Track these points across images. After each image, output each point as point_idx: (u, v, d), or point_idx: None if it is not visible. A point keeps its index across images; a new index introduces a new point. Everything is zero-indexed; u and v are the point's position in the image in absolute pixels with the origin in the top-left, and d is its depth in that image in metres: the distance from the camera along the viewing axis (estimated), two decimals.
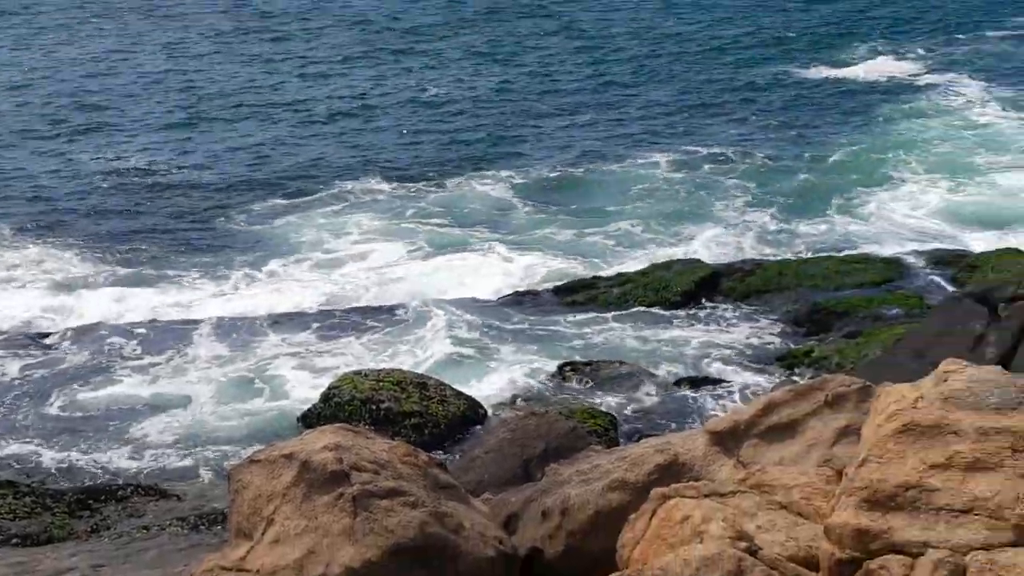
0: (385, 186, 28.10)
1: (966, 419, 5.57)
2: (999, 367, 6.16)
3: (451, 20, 48.57)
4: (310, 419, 16.18)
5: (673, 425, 16.47)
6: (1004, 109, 32.38)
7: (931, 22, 44.34)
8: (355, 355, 19.41)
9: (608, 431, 15.71)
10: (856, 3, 49.00)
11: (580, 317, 20.77)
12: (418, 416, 16.10)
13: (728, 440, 8.39)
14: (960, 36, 41.83)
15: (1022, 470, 5.28)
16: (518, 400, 17.36)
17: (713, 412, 16.63)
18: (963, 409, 5.67)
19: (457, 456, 14.70)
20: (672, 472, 8.39)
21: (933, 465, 5.42)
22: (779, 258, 22.96)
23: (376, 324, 20.66)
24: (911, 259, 22.26)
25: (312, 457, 7.61)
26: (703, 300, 21.26)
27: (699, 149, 30.18)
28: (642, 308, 20.91)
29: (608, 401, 17.47)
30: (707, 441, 8.45)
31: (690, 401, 17.61)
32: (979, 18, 44.64)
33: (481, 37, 45.13)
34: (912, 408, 5.78)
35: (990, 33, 42.02)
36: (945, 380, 5.94)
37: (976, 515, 5.25)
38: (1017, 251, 21.44)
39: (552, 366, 18.58)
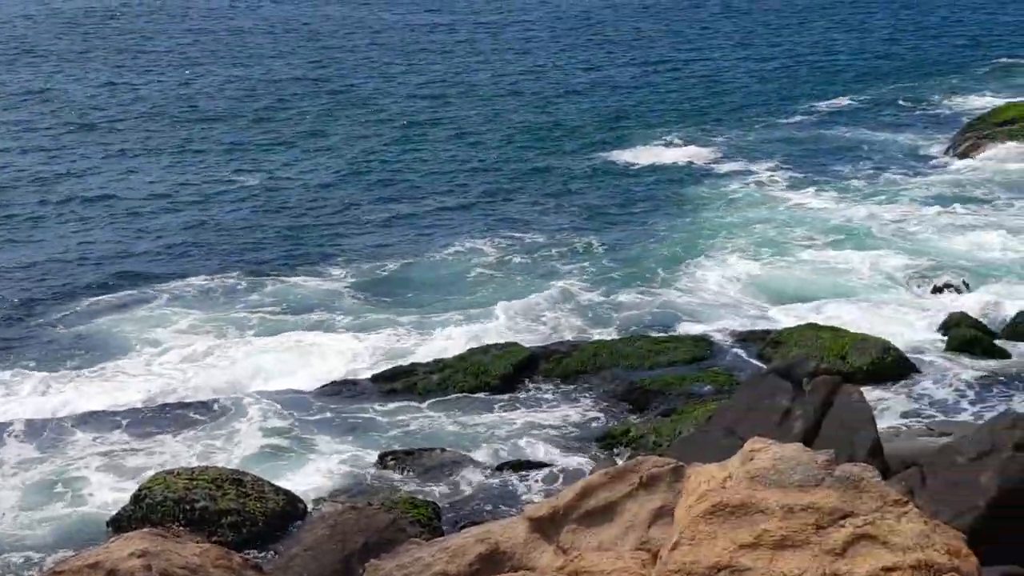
0: (209, 280, 27.54)
1: (772, 497, 5.71)
2: (801, 444, 6.36)
3: (267, 105, 48.23)
4: (120, 522, 15.57)
5: (498, 510, 16.44)
6: (799, 190, 33.83)
7: (725, 111, 46.12)
8: (171, 453, 18.84)
9: (432, 520, 15.59)
10: (651, 92, 50.62)
11: (399, 405, 20.64)
12: (235, 514, 15.66)
13: (548, 526, 8.41)
14: (754, 123, 43.59)
15: (827, 546, 5.42)
16: (338, 494, 17.07)
17: (536, 496, 16.67)
18: (769, 488, 5.82)
19: (276, 554, 14.32)
20: (494, 561, 8.36)
21: (743, 545, 5.53)
22: (594, 339, 23.27)
23: (193, 419, 20.13)
24: (719, 337, 22.89)
25: (119, 566, 7.31)
26: (522, 383, 21.42)
27: (522, 236, 30.53)
28: (461, 394, 20.91)
29: (431, 490, 17.34)
30: (527, 528, 8.46)
31: (513, 486, 17.62)
32: (770, 107, 46.68)
33: (295, 125, 44.94)
34: (721, 488, 5.90)
35: (781, 120, 43.98)
36: (751, 459, 6.09)
37: None
38: (817, 326, 22.30)
39: (373, 456, 18.38)
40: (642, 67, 56.85)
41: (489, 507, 16.71)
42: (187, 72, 56.24)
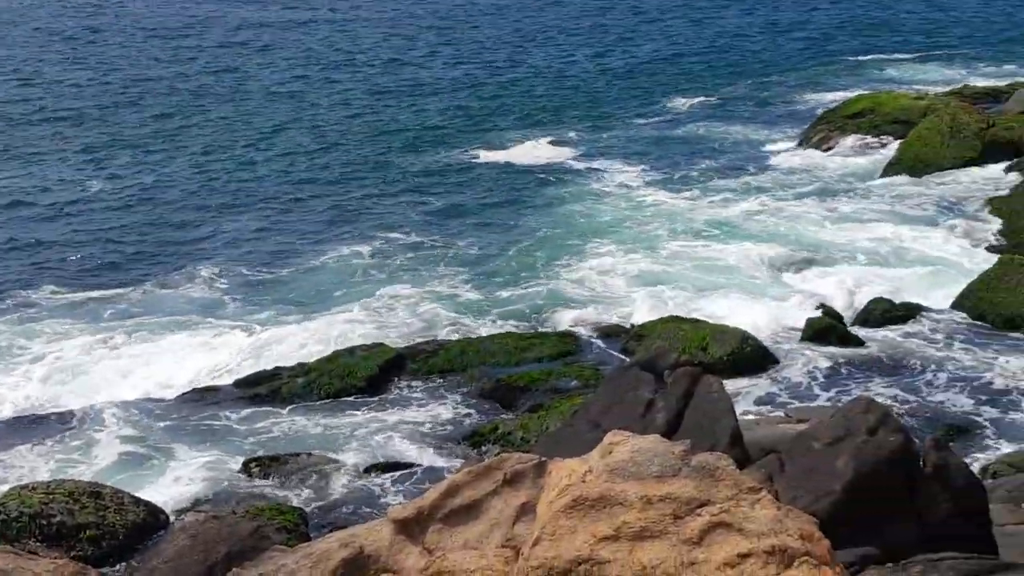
0: (69, 288, 26.77)
1: (631, 489, 5.76)
2: (659, 436, 6.43)
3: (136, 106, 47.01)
4: None
5: (366, 513, 16.31)
6: (660, 187, 34.21)
7: (583, 111, 46.35)
8: (28, 466, 18.25)
9: (298, 526, 15.38)
10: (510, 91, 50.73)
11: (263, 410, 20.33)
12: (94, 528, 15.21)
13: (413, 527, 8.35)
14: (613, 123, 43.94)
15: (685, 535, 5.49)
16: (201, 503, 16.73)
17: (404, 497, 16.59)
18: (628, 480, 5.87)
19: (137, 568, 13.97)
20: (359, 565, 8.28)
21: (603, 537, 5.56)
22: (460, 337, 23.27)
23: (50, 431, 19.52)
24: (584, 332, 23.11)
25: None
26: (389, 384, 21.30)
27: (388, 236, 30.32)
28: (327, 397, 20.70)
29: (297, 495, 17.13)
30: (392, 530, 8.39)
31: (381, 488, 17.52)
32: (627, 106, 47.11)
33: (153, 127, 43.91)
34: (581, 482, 5.93)
35: (638, 120, 44.47)
36: (610, 452, 6.14)
37: None
38: (678, 319, 22.67)
39: (237, 463, 18.07)
40: (501, 67, 56.95)
41: (357, 510, 16.58)
42: (31, 70, 54.51)
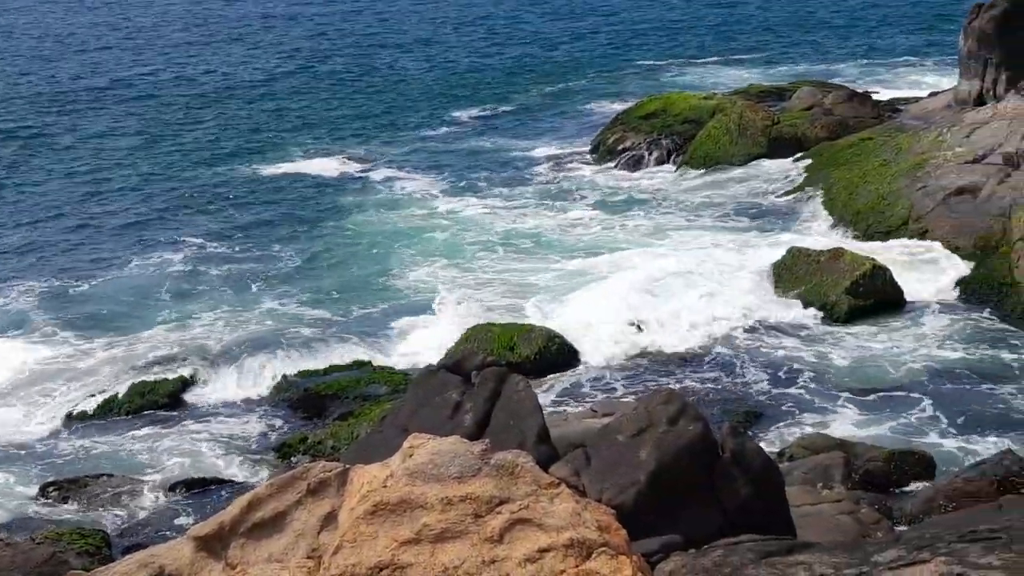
0: None
1: (431, 491, 5.77)
2: (459, 437, 6.45)
3: None
4: None
5: (173, 532, 15.88)
6: (456, 198, 34.05)
7: (376, 120, 46.30)
8: None
9: (101, 549, 14.89)
10: (294, 103, 50.30)
11: (60, 430, 19.59)
12: None
13: (215, 543, 8.14)
14: (403, 134, 43.71)
15: (486, 534, 5.53)
16: None
17: (211, 514, 16.19)
18: (428, 482, 5.87)
19: None
20: None
21: (404, 541, 5.55)
22: (272, 348, 22.84)
23: None
24: (394, 335, 23.06)
25: None
26: (193, 399, 20.83)
27: (199, 250, 29.67)
28: (129, 414, 20.09)
29: (99, 518, 16.57)
30: (193, 547, 8.16)
31: (188, 505, 17.10)
32: (418, 117, 47.07)
33: None
34: (382, 487, 5.91)
35: (430, 131, 44.49)
36: (411, 455, 6.13)
37: None
38: (490, 325, 22.79)
39: (33, 489, 17.35)
40: (291, 78, 56.44)
41: (162, 530, 16.13)
42: None
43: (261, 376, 21.44)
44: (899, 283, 23.42)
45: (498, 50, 64.81)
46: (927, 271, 24.51)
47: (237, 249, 29.68)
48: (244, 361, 21.98)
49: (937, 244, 25.25)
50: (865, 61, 55.59)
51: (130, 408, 20.22)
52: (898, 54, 57.78)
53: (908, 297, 23.43)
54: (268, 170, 38.43)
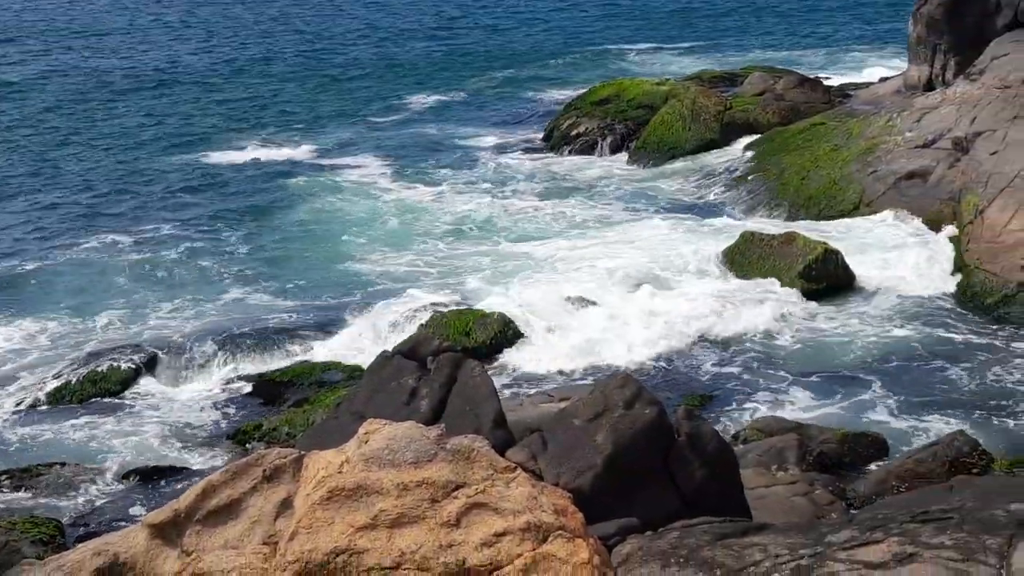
0: None
1: (387, 477, 5.76)
2: (414, 422, 6.45)
3: None
4: None
5: (128, 520, 15.78)
6: (409, 185, 33.88)
7: (323, 110, 46.09)
8: None
9: (55, 538, 14.75)
10: (245, 89, 49.99)
11: (12, 418, 19.37)
12: None
13: (170, 531, 8.12)
14: (352, 122, 43.49)
15: (442, 519, 5.53)
16: None
17: (166, 501, 16.09)
18: (384, 468, 5.86)
19: None
20: (114, 573, 7.99)
21: (361, 527, 5.54)
22: (225, 335, 22.67)
23: None
24: (352, 321, 22.99)
25: None
26: (146, 385, 20.66)
27: (152, 237, 29.46)
28: (81, 402, 19.89)
29: (53, 506, 16.41)
30: (148, 535, 8.13)
31: (143, 493, 16.98)
32: (367, 105, 46.84)
33: None
34: (338, 473, 5.89)
35: (379, 119, 44.23)
36: (366, 441, 6.12)
37: (405, 569, 5.44)
38: (445, 311, 22.80)
39: None
40: (243, 64, 56.03)
41: (117, 518, 16.00)
42: None
43: (215, 363, 21.29)
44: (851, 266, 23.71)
45: (449, 36, 64.65)
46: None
47: (187, 236, 29.41)
48: (197, 348, 21.80)
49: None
50: (815, 47, 56.05)
51: (83, 396, 20.02)
52: (849, 40, 58.27)
53: (859, 281, 23.68)
54: (216, 157, 38.16)
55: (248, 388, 20.48)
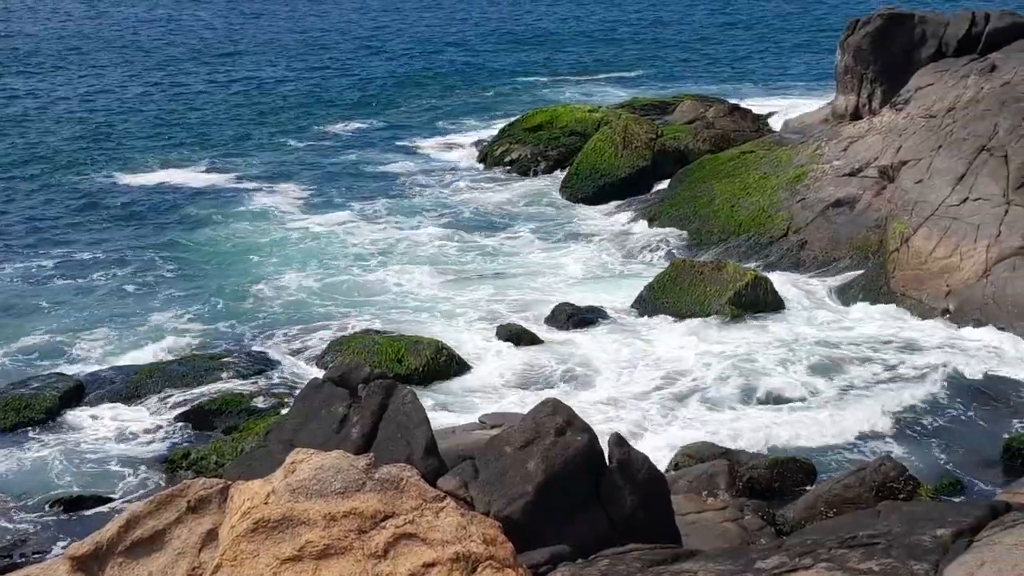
0: None
1: (314, 508, 5.68)
2: (343, 451, 6.37)
3: None
4: None
5: (52, 552, 15.46)
6: (324, 212, 33.84)
7: (243, 131, 45.89)
8: None
9: None
10: (158, 113, 49.65)
11: None
12: None
13: (91, 563, 7.93)
14: (269, 146, 43.42)
15: (370, 550, 5.46)
16: None
17: (90, 532, 15.77)
18: (311, 498, 5.78)
19: None
20: None
21: (286, 559, 5.45)
22: (151, 362, 22.37)
23: None
24: (278, 349, 22.78)
25: None
26: (72, 414, 20.26)
27: (59, 259, 29.08)
28: (3, 431, 19.47)
29: None
30: (69, 568, 7.94)
31: (66, 524, 16.64)
32: (287, 129, 46.74)
33: None
34: (264, 504, 5.80)
35: (295, 143, 44.24)
36: (293, 471, 6.03)
37: None
38: (374, 332, 22.72)
39: None
40: (151, 88, 55.62)
41: (40, 550, 15.68)
42: None
43: (141, 391, 20.94)
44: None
45: (374, 63, 64.63)
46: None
47: (108, 260, 29.16)
48: (122, 376, 21.47)
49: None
50: (745, 77, 56.82)
51: (5, 425, 19.60)
52: (778, 70, 59.13)
53: (788, 306, 23.96)
54: (130, 179, 37.97)
55: (176, 416, 20.16)
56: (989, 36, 29.73)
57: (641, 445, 16.56)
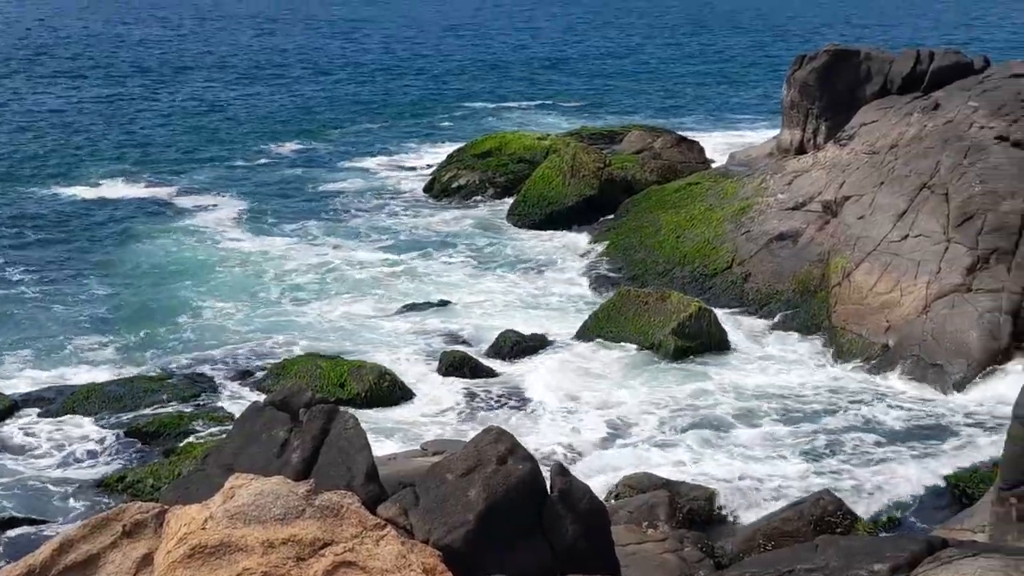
0: None
1: (252, 534, 5.60)
2: (283, 477, 6.29)
3: None
4: None
5: None
6: (259, 233, 33.80)
7: (185, 149, 45.69)
8: None
9: None
10: (99, 127, 49.28)
11: None
12: None
13: None
14: (217, 165, 43.03)
15: None
16: None
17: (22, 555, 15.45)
18: (250, 524, 5.69)
19: None
20: None
21: None
22: (88, 382, 22.05)
23: None
24: (218, 372, 22.53)
25: None
26: (5, 434, 19.92)
27: (15, 268, 29.10)
28: None
29: None
30: None
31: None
32: (236, 149, 46.47)
33: None
34: (201, 529, 5.71)
35: (244, 162, 43.91)
36: (232, 496, 5.94)
37: None
38: (317, 355, 22.56)
39: None
40: (93, 102, 55.20)
41: None
42: None
43: (78, 412, 20.63)
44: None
45: (322, 86, 64.62)
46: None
47: (42, 278, 28.85)
48: (57, 396, 21.16)
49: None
50: (693, 109, 57.35)
51: None
52: (725, 103, 59.74)
53: (731, 342, 24.10)
54: (70, 192, 37.81)
55: (112, 438, 19.87)
56: (933, 74, 30.21)
57: (582, 474, 16.56)
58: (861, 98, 30.89)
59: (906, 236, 24.79)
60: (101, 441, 19.78)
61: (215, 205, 36.82)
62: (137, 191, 38.29)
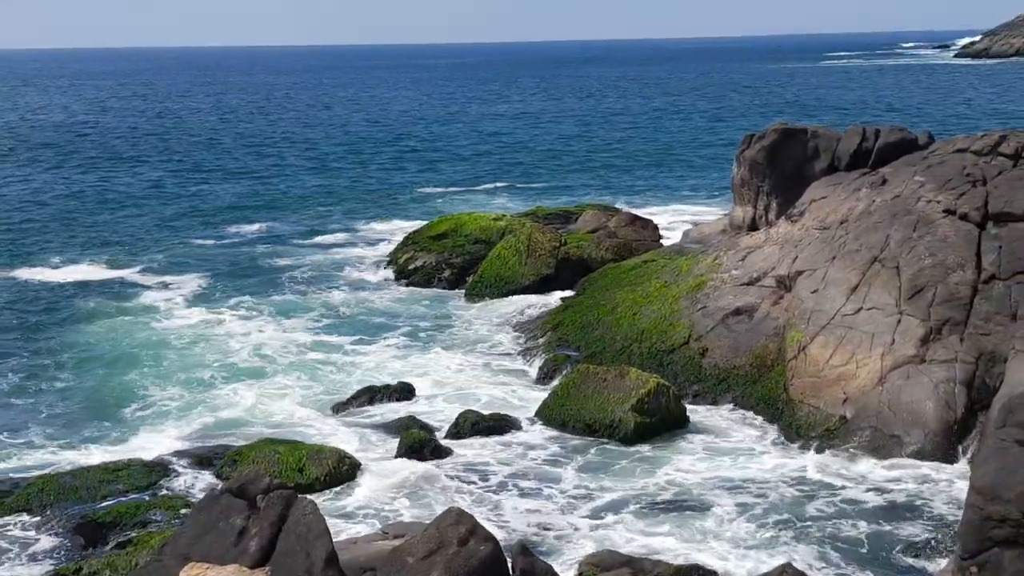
0: None
1: None
2: (238, 565, 6.22)
3: None
4: None
5: None
6: (214, 312, 33.91)
7: (143, 231, 45.90)
8: None
9: None
10: (57, 208, 49.37)
11: None
12: None
13: None
14: (177, 245, 43.41)
15: None
16: None
17: None
18: None
19: None
20: None
21: None
22: (41, 473, 21.72)
23: None
24: (175, 459, 22.28)
25: None
26: None
27: None
28: None
29: None
30: None
31: None
32: (195, 229, 46.72)
33: None
34: None
35: (197, 241, 44.35)
36: None
37: None
38: (274, 441, 22.37)
39: None
40: (52, 186, 55.42)
41: None
42: None
43: (32, 504, 20.28)
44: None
45: (277, 168, 65.16)
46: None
47: None
48: (14, 489, 20.83)
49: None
50: (642, 189, 58.10)
51: None
52: (678, 182, 60.53)
53: (691, 416, 24.18)
54: (26, 275, 38.09)
55: (67, 529, 19.53)
56: (880, 151, 30.74)
57: (545, 554, 16.48)
58: (810, 175, 31.36)
59: (859, 309, 25.07)
60: (56, 533, 19.44)
61: (170, 284, 37.39)
62: (86, 270, 38.84)
